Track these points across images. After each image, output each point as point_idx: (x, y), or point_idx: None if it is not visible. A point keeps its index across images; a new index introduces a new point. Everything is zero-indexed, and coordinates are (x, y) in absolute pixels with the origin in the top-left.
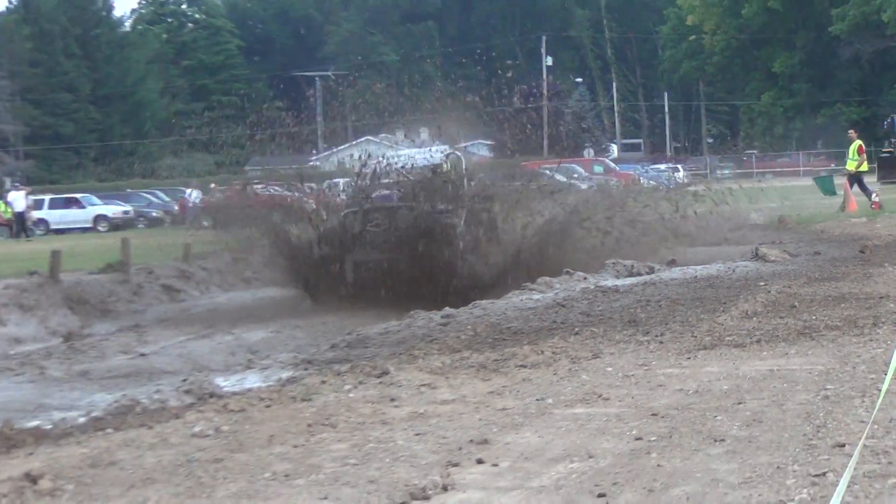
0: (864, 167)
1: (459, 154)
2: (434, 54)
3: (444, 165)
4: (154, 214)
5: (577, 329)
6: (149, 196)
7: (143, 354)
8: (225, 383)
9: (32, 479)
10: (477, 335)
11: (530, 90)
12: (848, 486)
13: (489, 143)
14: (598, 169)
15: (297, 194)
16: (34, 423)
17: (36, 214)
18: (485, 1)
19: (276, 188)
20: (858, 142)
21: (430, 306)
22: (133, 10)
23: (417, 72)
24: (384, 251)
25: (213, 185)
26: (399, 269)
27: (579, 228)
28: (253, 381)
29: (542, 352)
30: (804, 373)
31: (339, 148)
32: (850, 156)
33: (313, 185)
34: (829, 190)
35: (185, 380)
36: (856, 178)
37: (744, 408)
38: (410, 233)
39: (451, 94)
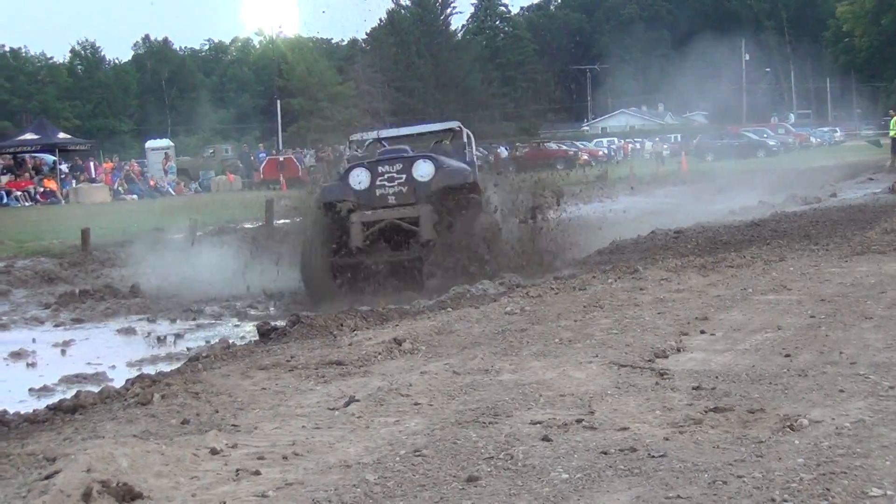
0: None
1: (466, 130)
2: (666, 53)
3: (445, 142)
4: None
5: (768, 240)
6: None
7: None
8: (526, 279)
9: (398, 341)
10: (698, 245)
11: (733, 77)
12: None
13: (705, 112)
14: (780, 131)
15: (573, 150)
16: (397, 305)
17: None
18: (702, 16)
19: (561, 145)
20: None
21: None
22: (463, 25)
23: (655, 65)
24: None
25: (517, 145)
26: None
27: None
28: (546, 276)
29: (744, 256)
30: None
31: (603, 117)
32: (891, 126)
33: (585, 142)
34: (876, 145)
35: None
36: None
37: (886, 295)
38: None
39: (677, 80)
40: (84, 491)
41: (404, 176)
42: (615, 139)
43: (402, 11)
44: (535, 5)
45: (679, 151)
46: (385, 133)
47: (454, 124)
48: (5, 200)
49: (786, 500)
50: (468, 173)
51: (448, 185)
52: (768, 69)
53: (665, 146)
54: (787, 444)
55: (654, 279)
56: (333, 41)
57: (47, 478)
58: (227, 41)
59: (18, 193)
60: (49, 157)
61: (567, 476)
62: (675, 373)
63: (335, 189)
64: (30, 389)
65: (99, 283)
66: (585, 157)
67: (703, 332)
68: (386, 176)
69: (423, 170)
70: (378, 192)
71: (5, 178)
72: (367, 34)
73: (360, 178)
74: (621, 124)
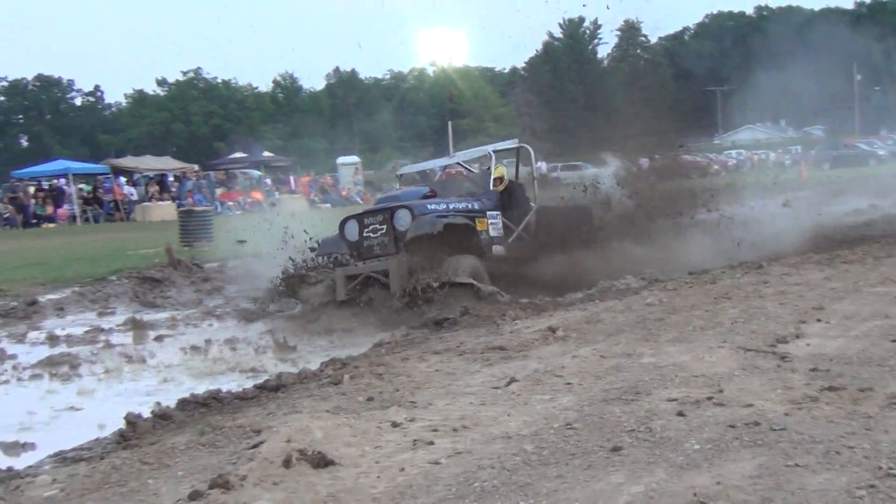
0: None
1: (527, 147)
2: (788, 75)
3: (500, 167)
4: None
5: (877, 239)
6: None
7: None
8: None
9: (553, 329)
10: (817, 244)
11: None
12: None
13: (822, 127)
14: (889, 142)
15: (705, 161)
16: (552, 298)
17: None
18: (819, 43)
19: (695, 156)
20: None
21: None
22: (608, 54)
23: (778, 85)
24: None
25: (656, 157)
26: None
27: None
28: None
29: (856, 253)
30: None
31: (732, 132)
32: None
33: (716, 154)
34: None
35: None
36: None
37: None
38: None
39: (797, 99)
40: (285, 458)
41: (385, 227)
42: (743, 151)
43: (556, 43)
44: (671, 35)
45: (799, 161)
46: (433, 163)
47: (512, 143)
48: (220, 209)
49: (892, 468)
50: (437, 223)
51: (416, 237)
52: (878, 87)
53: (787, 157)
54: (894, 420)
55: (775, 274)
56: (496, 69)
57: (254, 447)
58: (406, 71)
59: (230, 203)
60: (255, 173)
61: (699, 447)
62: (795, 356)
63: (331, 243)
64: (240, 371)
65: None
66: (717, 167)
67: (819, 320)
68: (370, 227)
69: (402, 220)
70: (365, 243)
71: (220, 191)
72: (525, 63)
73: (350, 230)
74: (748, 138)
